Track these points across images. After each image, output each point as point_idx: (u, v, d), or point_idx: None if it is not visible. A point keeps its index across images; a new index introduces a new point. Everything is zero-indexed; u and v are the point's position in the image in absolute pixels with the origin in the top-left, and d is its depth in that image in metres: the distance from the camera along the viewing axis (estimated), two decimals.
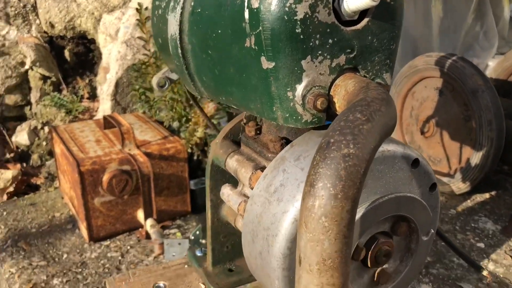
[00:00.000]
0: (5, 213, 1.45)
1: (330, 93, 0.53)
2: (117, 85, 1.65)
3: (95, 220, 1.25)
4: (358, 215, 0.51)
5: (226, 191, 0.68)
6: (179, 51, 0.65)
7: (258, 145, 0.65)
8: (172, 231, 1.34)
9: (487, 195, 1.55)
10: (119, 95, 1.66)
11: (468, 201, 1.52)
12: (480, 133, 1.34)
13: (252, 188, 0.62)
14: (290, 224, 0.50)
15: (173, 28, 0.65)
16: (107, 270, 1.17)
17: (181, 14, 0.62)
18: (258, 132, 0.67)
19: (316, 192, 0.40)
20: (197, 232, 1.24)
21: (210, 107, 1.28)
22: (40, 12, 1.98)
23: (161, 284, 0.76)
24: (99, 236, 1.28)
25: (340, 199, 0.40)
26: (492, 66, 1.84)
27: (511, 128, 1.47)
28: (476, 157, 1.37)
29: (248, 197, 0.64)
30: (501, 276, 1.17)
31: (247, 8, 0.51)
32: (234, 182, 0.69)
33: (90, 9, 1.90)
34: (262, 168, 0.62)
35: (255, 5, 0.50)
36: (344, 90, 0.52)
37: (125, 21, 1.70)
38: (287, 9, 0.49)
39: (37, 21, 2.00)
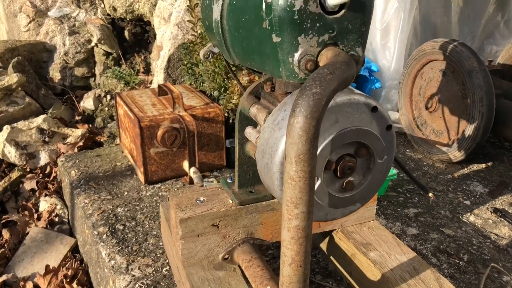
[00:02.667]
0: (77, 161, 1.79)
1: (318, 59, 0.81)
2: (169, 60, 1.95)
3: (150, 167, 1.57)
4: (329, 138, 0.78)
5: (248, 130, 0.96)
6: (220, 30, 0.93)
7: (272, 97, 0.94)
8: (210, 179, 1.64)
9: (483, 165, 1.77)
10: (171, 69, 1.97)
11: (465, 169, 1.74)
12: (474, 108, 1.57)
13: None
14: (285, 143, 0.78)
15: (216, 14, 0.93)
16: (158, 204, 1.49)
17: (222, 4, 0.91)
18: (272, 89, 0.95)
19: (296, 114, 0.68)
20: (229, 181, 1.53)
21: (244, 80, 1.56)
22: None
23: (201, 198, 1.05)
24: (153, 179, 1.60)
25: (309, 118, 0.67)
26: (501, 53, 2.04)
27: (509, 105, 1.68)
28: (469, 129, 1.60)
29: None
30: (479, 226, 1.41)
31: (264, 2, 0.79)
32: (255, 125, 0.98)
33: None
34: None
35: (269, 0, 0.78)
36: (325, 57, 0.79)
37: (177, 7, 2.00)
38: (288, 3, 0.76)
39: (102, 5, 2.34)
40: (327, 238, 1.21)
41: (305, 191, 0.70)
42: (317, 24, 0.79)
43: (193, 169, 1.57)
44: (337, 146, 0.80)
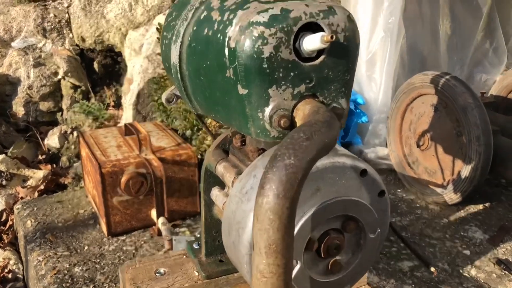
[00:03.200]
0: (35, 208, 1.62)
1: (293, 114, 0.66)
2: (138, 95, 1.81)
3: (114, 217, 1.41)
4: (309, 213, 0.63)
5: (215, 192, 0.81)
6: (179, 76, 0.79)
7: (241, 154, 0.79)
8: (182, 229, 1.48)
9: (480, 206, 1.63)
10: (140, 104, 1.82)
11: (462, 211, 1.60)
12: (470, 148, 1.44)
13: None
14: None
15: (174, 57, 0.78)
16: (122, 262, 1.32)
17: (181, 46, 0.76)
18: (243, 143, 0.80)
19: (265, 192, 0.53)
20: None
21: (214, 123, 1.42)
22: (73, 27, 2.17)
23: (161, 270, 0.89)
24: (117, 231, 1.43)
25: (281, 198, 0.52)
26: (493, 84, 1.93)
27: (507, 143, 1.56)
28: (466, 170, 1.46)
29: None
30: (482, 281, 1.26)
31: (226, 47, 0.65)
32: (223, 185, 0.82)
33: (117, 25, 2.08)
34: None
35: (232, 45, 0.63)
36: (302, 112, 0.64)
37: (148, 38, 1.86)
38: (255, 49, 0.62)
39: (70, 35, 2.20)
40: None
41: None
42: (291, 74, 0.64)
43: (161, 219, 1.40)
44: (320, 222, 0.64)
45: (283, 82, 0.64)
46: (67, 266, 1.30)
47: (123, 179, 1.37)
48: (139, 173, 1.39)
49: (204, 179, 0.86)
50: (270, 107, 0.65)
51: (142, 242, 1.41)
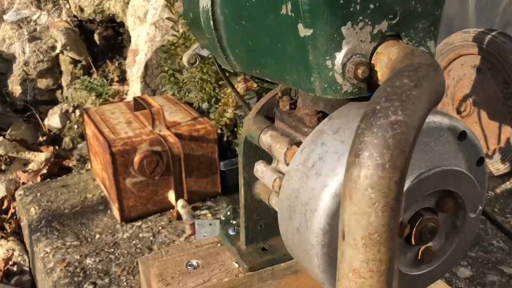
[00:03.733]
0: (38, 194, 1.47)
1: (372, 61, 0.51)
2: (146, 67, 1.64)
3: (127, 201, 1.26)
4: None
5: (260, 168, 0.66)
6: (211, 23, 0.63)
7: (293, 119, 0.63)
8: (203, 212, 1.33)
9: None
10: (149, 77, 1.66)
11: (508, 182, 1.46)
12: None
13: (287, 164, 0.60)
14: (331, 199, 0.48)
15: (205, 0, 0.62)
16: (139, 250, 1.18)
17: None
18: (293, 106, 0.65)
19: (362, 162, 0.38)
20: (228, 213, 1.23)
21: (239, 87, 1.26)
22: None
23: (194, 262, 0.75)
24: (131, 216, 1.28)
25: (388, 169, 0.37)
26: None
27: None
28: None
29: (282, 174, 0.62)
30: None
31: None
32: (267, 159, 0.67)
33: None
34: (298, 143, 0.60)
35: None
36: (387, 57, 0.49)
37: (154, 3, 1.69)
38: None
39: (67, 6, 2.02)
40: None
41: None
42: (371, 5, 0.48)
43: (181, 202, 1.26)
44: (415, 200, 0.50)
45: (361, 18, 0.49)
46: (78, 257, 1.16)
47: (136, 158, 1.22)
48: (153, 151, 1.24)
49: (244, 152, 0.71)
50: (343, 52, 0.49)
51: (159, 228, 1.27)
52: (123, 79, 1.93)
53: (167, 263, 0.75)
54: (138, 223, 1.29)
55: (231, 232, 0.80)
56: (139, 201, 1.28)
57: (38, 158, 1.68)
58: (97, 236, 1.25)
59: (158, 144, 1.24)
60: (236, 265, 0.74)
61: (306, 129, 0.60)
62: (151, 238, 1.23)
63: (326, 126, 0.53)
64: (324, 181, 0.49)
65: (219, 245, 0.79)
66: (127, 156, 1.22)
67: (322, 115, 0.60)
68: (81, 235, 1.25)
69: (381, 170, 0.37)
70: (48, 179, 1.58)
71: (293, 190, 0.53)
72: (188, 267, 0.74)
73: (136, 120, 1.38)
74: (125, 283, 1.07)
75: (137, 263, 1.13)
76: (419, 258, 0.54)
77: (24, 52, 1.94)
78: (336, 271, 0.51)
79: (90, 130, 1.40)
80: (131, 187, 1.25)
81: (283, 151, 0.61)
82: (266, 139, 0.65)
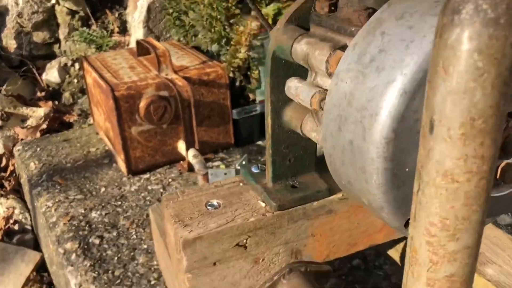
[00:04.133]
0: (38, 149, 1.38)
1: None
2: (149, 10, 1.52)
3: (133, 151, 1.16)
4: None
5: (293, 84, 0.55)
6: None
7: (335, 21, 0.52)
8: (215, 163, 1.24)
9: None
10: (152, 21, 1.54)
11: None
12: None
13: (329, 74, 0.49)
14: (398, 97, 0.38)
15: None
16: (148, 203, 1.09)
17: None
18: (333, 8, 0.54)
19: (464, 18, 0.27)
20: (244, 162, 1.14)
21: (252, 25, 1.15)
22: None
23: (214, 202, 0.65)
24: (138, 168, 1.19)
25: (503, 26, 0.27)
26: None
27: None
28: None
29: (322, 88, 0.52)
30: None
31: None
32: (300, 74, 0.57)
33: None
34: (343, 47, 0.49)
35: None
36: None
37: None
38: None
39: None
40: (402, 244, 0.82)
41: (477, 203, 0.31)
42: None
43: (192, 151, 1.16)
44: None
45: None
46: (82, 211, 1.07)
47: (142, 104, 1.12)
48: (161, 96, 1.13)
49: (271, 71, 0.60)
50: None
51: (169, 180, 1.18)
52: (123, 30, 1.81)
53: (184, 203, 0.66)
54: (146, 175, 1.20)
55: (254, 170, 0.70)
56: (147, 152, 1.18)
57: (37, 114, 1.58)
58: (102, 189, 1.16)
59: (166, 89, 1.14)
60: (263, 204, 0.65)
61: (353, 29, 0.49)
62: (161, 191, 1.14)
63: (385, 14, 0.42)
64: (389, 76, 0.38)
65: (241, 184, 0.70)
66: (132, 102, 1.12)
67: (372, 11, 0.49)
68: (85, 189, 1.16)
69: (493, 26, 0.27)
70: (48, 135, 1.49)
71: (344, 95, 0.42)
72: (208, 207, 0.65)
73: (140, 65, 1.27)
74: (134, 236, 0.98)
75: (147, 215, 1.04)
76: (497, 176, 0.44)
77: (17, 3, 1.81)
78: (399, 192, 0.42)
79: (90, 78, 1.29)
80: (138, 136, 1.15)
81: (324, 58, 0.50)
82: (301, 48, 0.54)
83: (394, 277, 0.85)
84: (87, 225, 1.02)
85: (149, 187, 1.15)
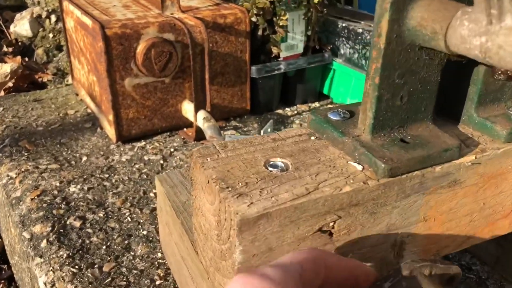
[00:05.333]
0: (1, 108, 1.10)
1: None
2: None
3: (126, 111, 0.90)
4: None
5: None
6: None
7: None
8: (228, 132, 0.99)
9: None
10: None
11: None
12: None
13: None
14: None
15: None
16: (145, 176, 0.83)
17: None
18: None
19: None
20: (269, 129, 0.89)
21: None
22: None
23: (278, 162, 0.40)
24: (131, 134, 0.93)
25: None
26: None
27: None
28: None
29: None
30: None
31: None
32: None
33: None
34: None
35: None
36: None
37: None
38: None
39: None
40: None
41: None
42: None
43: (202, 113, 0.90)
44: None
45: None
46: (57, 184, 0.81)
47: (141, 47, 0.86)
48: (165, 39, 0.87)
49: None
50: None
51: (171, 150, 0.92)
52: None
53: (231, 162, 0.40)
54: (141, 143, 0.94)
55: (333, 117, 0.45)
56: (143, 113, 0.92)
57: (2, 70, 1.29)
58: (84, 158, 0.89)
59: (171, 30, 0.88)
60: (358, 167, 0.40)
61: None
62: (161, 162, 0.88)
63: None
64: None
65: (312, 138, 0.45)
66: (127, 44, 0.85)
67: None
68: (61, 157, 0.89)
69: None
70: (14, 93, 1.20)
71: None
72: (270, 169, 0.40)
73: (137, 3, 1.00)
74: (128, 218, 0.72)
75: (144, 192, 0.79)
76: None
77: None
78: None
79: (72, 19, 1.02)
80: (132, 91, 0.89)
81: None
82: None
83: (490, 282, 0.62)
84: (64, 202, 0.76)
85: (146, 157, 0.89)
